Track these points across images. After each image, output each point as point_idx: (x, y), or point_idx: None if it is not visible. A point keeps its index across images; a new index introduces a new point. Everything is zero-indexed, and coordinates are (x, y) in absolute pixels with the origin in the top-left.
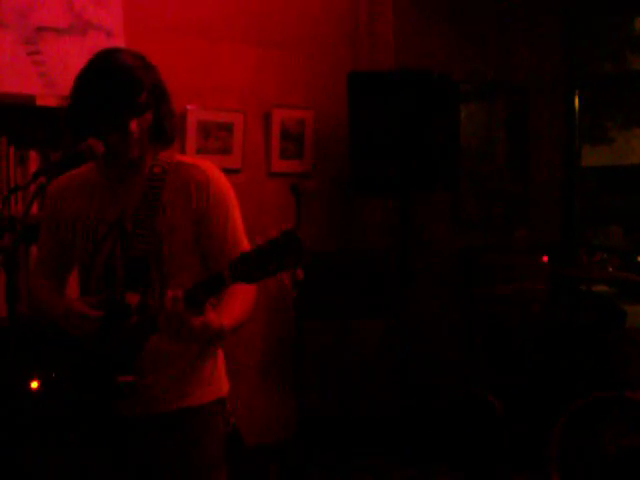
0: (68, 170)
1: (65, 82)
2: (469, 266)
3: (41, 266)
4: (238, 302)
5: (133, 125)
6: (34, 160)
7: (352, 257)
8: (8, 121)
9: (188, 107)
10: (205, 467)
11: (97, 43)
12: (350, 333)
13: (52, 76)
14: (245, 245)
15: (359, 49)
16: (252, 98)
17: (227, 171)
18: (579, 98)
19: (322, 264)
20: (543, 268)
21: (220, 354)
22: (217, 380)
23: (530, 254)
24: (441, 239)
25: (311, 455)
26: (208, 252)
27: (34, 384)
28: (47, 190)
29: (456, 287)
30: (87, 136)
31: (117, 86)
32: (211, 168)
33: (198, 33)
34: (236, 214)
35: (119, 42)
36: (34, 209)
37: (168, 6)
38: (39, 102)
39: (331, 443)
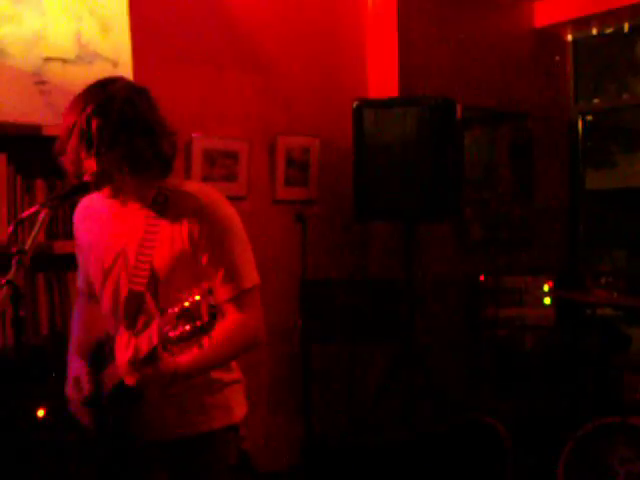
0: (73, 200)
1: None
2: (474, 290)
3: (79, 293)
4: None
5: (87, 162)
6: (40, 189)
7: (358, 284)
8: (15, 150)
9: (193, 135)
10: None
11: (103, 73)
12: (357, 359)
13: (58, 106)
14: (245, 283)
15: (364, 76)
16: (257, 126)
17: (232, 199)
18: (582, 123)
19: (328, 291)
20: (548, 292)
21: (238, 380)
22: (230, 407)
23: (535, 278)
24: (446, 264)
25: None
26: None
27: (40, 412)
28: (74, 214)
29: (462, 312)
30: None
31: (69, 125)
32: (209, 196)
33: (204, 61)
34: (235, 245)
35: (125, 71)
36: (40, 238)
37: (175, 35)
38: (45, 132)
39: (337, 471)
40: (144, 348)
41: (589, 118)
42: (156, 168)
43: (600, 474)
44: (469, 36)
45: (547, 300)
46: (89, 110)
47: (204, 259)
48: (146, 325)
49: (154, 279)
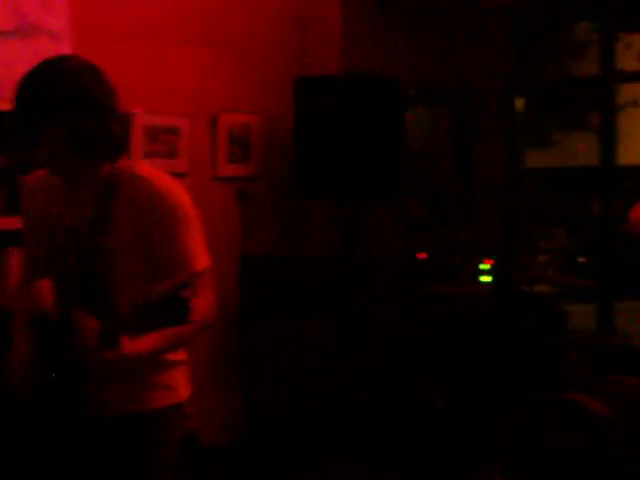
0: (19, 176)
1: (10, 85)
2: (414, 268)
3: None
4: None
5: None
6: None
7: (299, 260)
8: None
9: (135, 111)
10: (159, 470)
11: (43, 46)
12: (297, 335)
13: None
14: (196, 266)
15: (306, 53)
16: (199, 102)
17: (173, 175)
18: (524, 102)
19: (270, 267)
20: (487, 270)
21: (183, 360)
22: (175, 386)
23: (474, 255)
24: (387, 240)
25: (260, 455)
26: (155, 270)
27: None
28: (23, 188)
29: (401, 289)
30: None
31: (21, 100)
32: (163, 181)
33: (145, 36)
34: (187, 230)
35: (66, 45)
36: None
37: (115, 9)
38: None
39: (280, 443)
40: (108, 331)
41: (528, 98)
42: (104, 148)
43: (535, 448)
44: (413, 13)
45: (486, 278)
46: (36, 86)
47: (157, 242)
48: (101, 305)
49: (107, 261)
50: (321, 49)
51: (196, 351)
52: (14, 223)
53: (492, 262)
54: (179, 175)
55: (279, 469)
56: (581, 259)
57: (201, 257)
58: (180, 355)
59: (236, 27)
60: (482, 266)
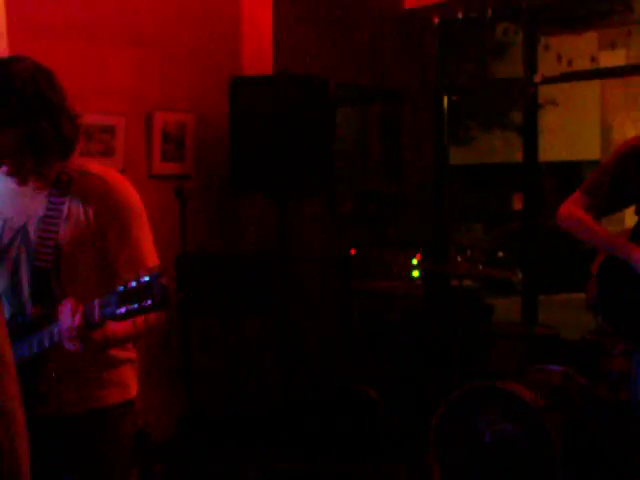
0: None
1: None
2: (345, 264)
3: None
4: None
5: None
6: None
7: (233, 257)
8: None
9: None
10: (113, 465)
11: None
12: (233, 331)
13: None
14: (148, 262)
15: (239, 53)
16: (133, 100)
17: None
18: (447, 102)
19: (204, 265)
20: (416, 265)
21: (133, 358)
22: (125, 383)
23: (403, 251)
24: (318, 237)
25: (196, 453)
26: (107, 266)
27: None
28: None
29: (333, 284)
30: None
31: None
32: (114, 179)
33: (80, 35)
34: (138, 227)
35: (2, 44)
36: None
37: (50, 8)
38: None
39: (218, 441)
40: (95, 316)
41: (452, 98)
42: (57, 149)
43: (468, 435)
44: (342, 15)
45: (415, 272)
46: None
47: (108, 239)
48: (52, 301)
49: (58, 257)
50: (254, 49)
51: (138, 349)
52: None
53: (419, 257)
54: None
55: (217, 468)
56: (500, 254)
57: (151, 254)
58: (130, 353)
59: (171, 27)
60: (414, 261)
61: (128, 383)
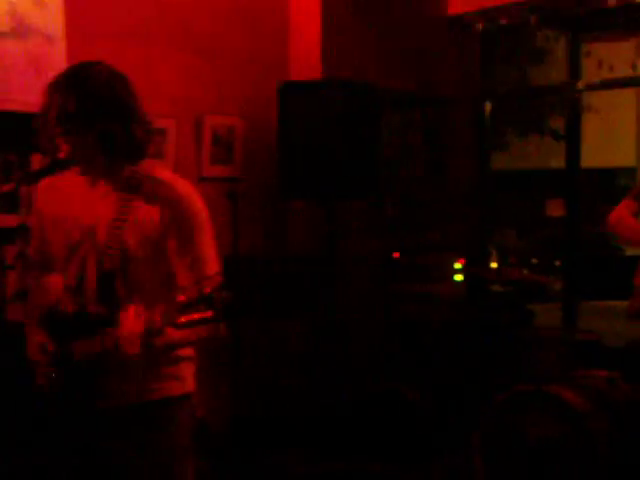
0: (49, 175)
1: (6, 85)
2: (389, 267)
3: (33, 264)
4: None
5: (62, 141)
6: None
7: (280, 259)
8: None
9: None
10: (172, 456)
11: (38, 48)
12: (278, 332)
13: None
14: (208, 270)
15: (287, 58)
16: (184, 104)
17: None
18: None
19: (253, 266)
20: (459, 269)
21: (191, 356)
22: (183, 377)
23: (447, 255)
24: (363, 241)
25: (242, 451)
26: (169, 271)
27: None
28: (38, 190)
29: (377, 287)
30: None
31: (55, 105)
32: (184, 188)
33: (134, 39)
34: (202, 238)
35: (60, 47)
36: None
37: (106, 13)
38: None
39: (262, 439)
40: (157, 323)
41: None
42: (128, 152)
43: (513, 438)
44: (388, 21)
45: (458, 277)
46: (69, 90)
47: (171, 245)
48: (116, 303)
49: (124, 260)
50: (301, 55)
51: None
52: (10, 221)
53: (463, 261)
54: None
55: (262, 466)
56: (533, 260)
57: (214, 262)
58: (189, 351)
59: (221, 32)
60: (456, 266)
61: (186, 377)
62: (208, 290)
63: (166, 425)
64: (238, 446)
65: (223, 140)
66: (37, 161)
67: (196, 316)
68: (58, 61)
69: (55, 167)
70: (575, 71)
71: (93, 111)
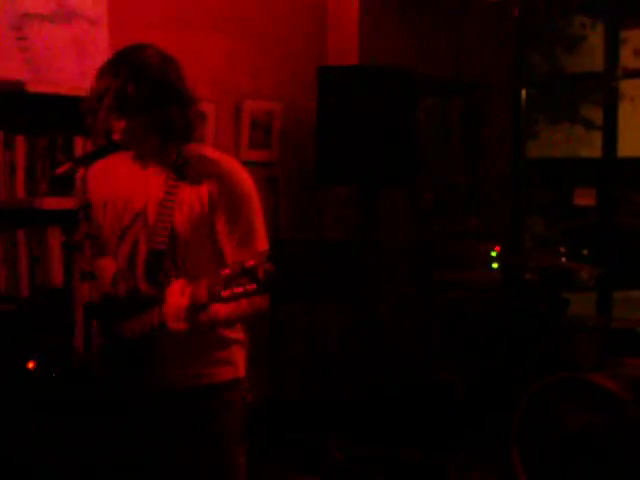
0: (102, 158)
1: (50, 68)
2: (426, 255)
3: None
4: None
5: (117, 123)
6: (21, 145)
7: (317, 245)
8: None
9: None
10: (223, 440)
11: (82, 32)
12: (315, 317)
13: (37, 62)
14: (258, 247)
15: (325, 43)
16: (224, 88)
17: None
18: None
19: (291, 251)
20: (496, 257)
21: (242, 340)
22: (234, 361)
23: (483, 243)
24: (400, 227)
25: (278, 435)
26: (218, 249)
27: (31, 365)
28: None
29: (414, 273)
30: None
31: (109, 89)
32: (231, 164)
33: (173, 23)
34: (251, 214)
35: (103, 31)
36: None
37: None
38: (29, 88)
39: (297, 423)
40: (202, 297)
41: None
42: (182, 134)
43: (552, 426)
44: (426, 6)
45: (495, 264)
46: (125, 74)
47: (221, 222)
48: (165, 281)
49: (173, 239)
50: (339, 40)
51: None
52: (55, 204)
53: (499, 249)
54: None
55: (297, 450)
56: (562, 249)
57: (262, 239)
58: (239, 334)
59: (261, 17)
60: (493, 253)
61: (237, 362)
62: (252, 263)
63: (217, 410)
64: (276, 429)
65: (261, 125)
66: (80, 144)
67: (240, 289)
68: (101, 45)
69: (109, 150)
70: (613, 59)
71: (151, 95)
